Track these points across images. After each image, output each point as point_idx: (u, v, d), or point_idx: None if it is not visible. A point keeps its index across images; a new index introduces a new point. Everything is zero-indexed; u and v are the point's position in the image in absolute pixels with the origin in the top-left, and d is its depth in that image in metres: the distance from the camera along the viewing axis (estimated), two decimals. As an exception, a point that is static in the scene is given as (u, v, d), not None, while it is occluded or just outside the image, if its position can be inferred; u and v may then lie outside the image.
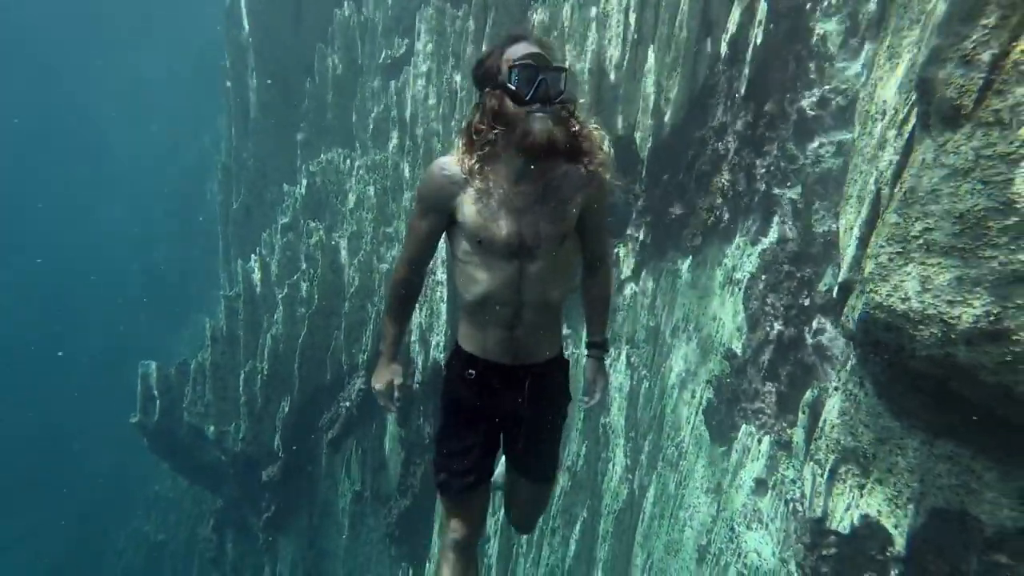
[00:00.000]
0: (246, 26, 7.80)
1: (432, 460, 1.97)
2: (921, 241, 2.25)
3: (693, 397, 4.92)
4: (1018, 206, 1.96)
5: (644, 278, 5.35)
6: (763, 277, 4.30)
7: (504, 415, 1.89)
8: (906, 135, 2.63)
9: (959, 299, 2.14)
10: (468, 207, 1.71)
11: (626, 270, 5.38)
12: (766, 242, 4.49)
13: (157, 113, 22.01)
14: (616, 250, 5.44)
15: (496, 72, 1.66)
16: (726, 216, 4.70)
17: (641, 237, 5.21)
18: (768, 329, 4.12)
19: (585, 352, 2.16)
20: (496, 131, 1.64)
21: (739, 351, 4.41)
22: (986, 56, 1.97)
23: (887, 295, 2.38)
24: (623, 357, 5.42)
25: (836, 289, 3.21)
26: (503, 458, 2.18)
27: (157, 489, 12.45)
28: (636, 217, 5.24)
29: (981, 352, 2.12)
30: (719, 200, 4.71)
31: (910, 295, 2.29)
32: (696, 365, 4.95)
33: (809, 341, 3.96)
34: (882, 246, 2.40)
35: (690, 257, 5.00)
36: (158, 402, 7.30)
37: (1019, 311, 2.01)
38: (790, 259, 4.22)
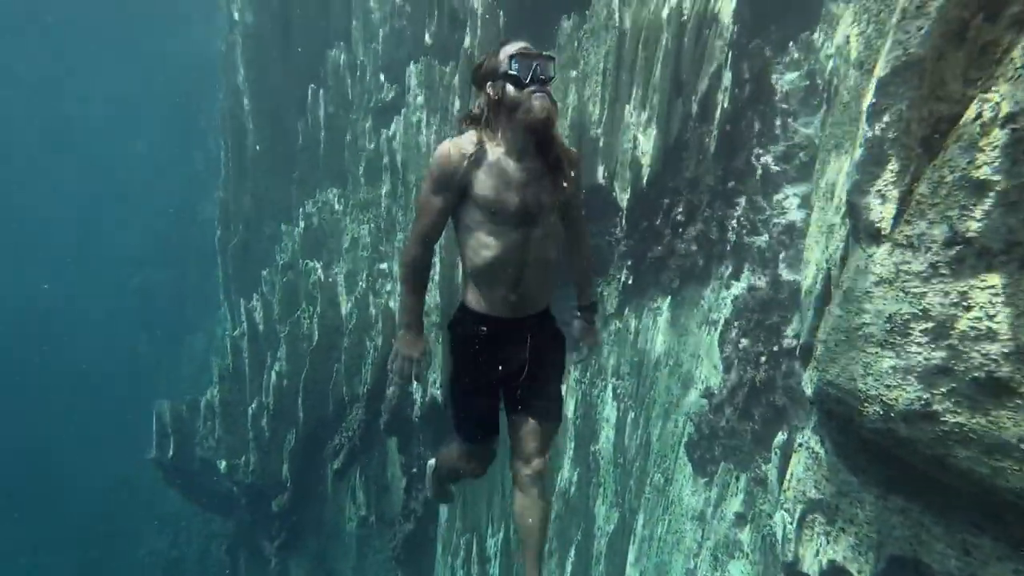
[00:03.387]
0: (241, 71, 8.07)
1: (453, 414, 2.21)
2: (861, 333, 2.59)
3: (676, 427, 5.28)
4: (932, 313, 2.32)
5: (627, 315, 5.69)
6: (736, 323, 4.66)
7: (512, 366, 2.11)
8: (848, 225, 2.98)
9: (895, 384, 2.48)
10: (481, 181, 1.95)
11: (610, 307, 5.72)
12: (738, 287, 4.86)
13: (143, 131, 22.00)
14: (600, 288, 5.78)
15: (496, 67, 1.95)
16: (701, 262, 5.05)
17: (623, 278, 5.55)
18: (742, 372, 4.48)
19: (576, 316, 2.42)
20: (499, 114, 1.93)
21: (716, 390, 4.78)
22: (896, 192, 2.32)
23: (837, 375, 2.72)
24: (609, 388, 5.78)
25: (799, 349, 3.56)
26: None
27: (166, 507, 12.73)
28: (618, 259, 5.57)
29: (917, 429, 2.46)
30: (694, 247, 5.06)
31: (855, 377, 2.63)
32: (678, 398, 5.31)
33: (780, 383, 4.33)
34: (829, 333, 2.74)
35: (670, 297, 5.35)
36: (172, 439, 7.59)
37: (944, 397, 2.36)
38: (760, 305, 4.58)
